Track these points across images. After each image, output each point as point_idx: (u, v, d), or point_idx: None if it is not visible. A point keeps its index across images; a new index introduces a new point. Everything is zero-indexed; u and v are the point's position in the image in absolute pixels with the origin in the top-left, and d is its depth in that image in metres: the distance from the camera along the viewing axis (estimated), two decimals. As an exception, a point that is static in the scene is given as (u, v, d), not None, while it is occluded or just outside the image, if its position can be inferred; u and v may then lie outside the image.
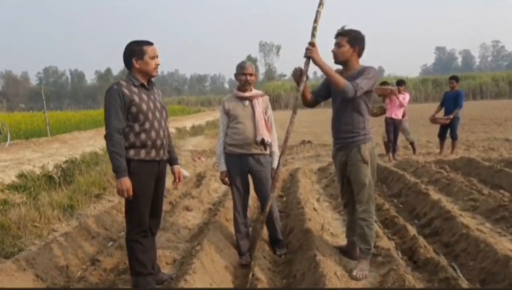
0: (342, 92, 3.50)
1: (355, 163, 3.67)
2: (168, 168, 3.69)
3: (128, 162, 3.26)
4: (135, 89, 3.31)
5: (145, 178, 3.35)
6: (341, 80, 3.46)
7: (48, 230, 5.17)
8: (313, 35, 3.54)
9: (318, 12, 3.55)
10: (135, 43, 3.35)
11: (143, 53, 3.30)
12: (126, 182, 3.20)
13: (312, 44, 3.50)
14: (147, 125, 3.32)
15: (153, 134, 3.35)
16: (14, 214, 5.15)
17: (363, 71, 3.58)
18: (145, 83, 3.39)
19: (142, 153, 3.32)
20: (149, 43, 3.36)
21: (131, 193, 3.23)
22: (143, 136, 3.31)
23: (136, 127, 3.29)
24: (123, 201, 3.62)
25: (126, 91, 3.26)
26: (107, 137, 3.24)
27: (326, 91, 3.91)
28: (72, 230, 4.81)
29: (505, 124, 17.32)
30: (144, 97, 3.35)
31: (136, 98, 3.28)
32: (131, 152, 3.29)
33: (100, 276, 4.01)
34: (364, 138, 3.68)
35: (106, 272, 4.10)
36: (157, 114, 3.40)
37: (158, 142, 3.40)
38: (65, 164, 8.05)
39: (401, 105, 9.63)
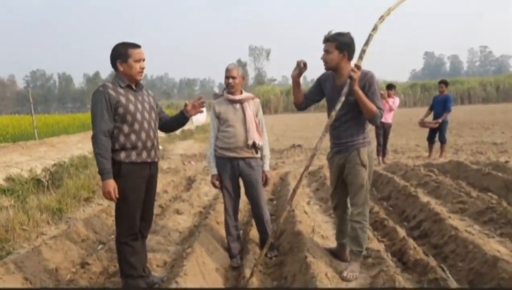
0: (372, 119, 3.54)
1: (354, 166, 3.66)
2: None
3: (119, 165, 3.24)
4: (122, 90, 3.29)
5: (136, 181, 3.33)
6: (374, 108, 3.48)
7: (37, 233, 5.12)
8: (360, 57, 3.48)
9: (370, 36, 3.47)
10: (121, 45, 3.31)
11: (127, 56, 3.27)
12: (111, 184, 3.17)
13: (358, 66, 3.44)
14: (136, 126, 3.29)
15: (143, 135, 3.33)
16: (2, 217, 5.09)
17: (365, 83, 3.52)
18: (132, 85, 3.36)
19: (133, 155, 3.29)
20: (135, 46, 3.32)
21: (116, 195, 3.20)
22: (133, 137, 3.28)
23: (125, 128, 3.26)
24: (112, 204, 3.60)
25: (112, 92, 3.23)
26: (93, 139, 3.21)
27: (317, 96, 3.92)
28: (61, 234, 4.76)
29: (493, 128, 17.55)
30: (131, 98, 3.32)
31: (123, 99, 3.25)
32: (122, 155, 3.26)
33: (90, 279, 3.98)
34: (363, 141, 3.68)
35: (95, 275, 4.07)
36: (146, 115, 3.37)
37: (149, 143, 3.37)
38: (53, 167, 8.01)
39: (390, 109, 9.72)
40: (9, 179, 7.15)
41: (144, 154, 3.35)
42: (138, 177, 3.35)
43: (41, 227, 5.33)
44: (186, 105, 3.61)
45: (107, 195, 3.20)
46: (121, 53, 3.28)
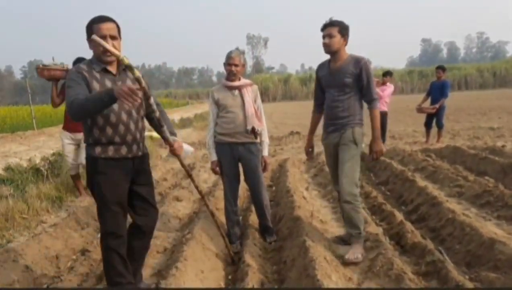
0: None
1: (347, 143, 3.74)
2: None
3: (95, 161, 2.82)
4: (97, 74, 2.77)
5: (115, 177, 2.85)
6: (378, 117, 3.75)
7: (37, 221, 5.13)
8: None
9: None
10: (89, 21, 2.74)
11: (91, 33, 2.67)
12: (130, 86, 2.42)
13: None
14: (112, 118, 2.79)
15: (121, 128, 2.82)
16: (2, 206, 5.10)
17: (360, 70, 3.63)
18: (110, 68, 2.82)
19: (110, 151, 2.83)
20: (100, 20, 2.72)
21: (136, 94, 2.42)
22: (108, 131, 2.80)
23: (99, 120, 2.77)
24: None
25: (86, 74, 2.72)
26: (70, 106, 2.57)
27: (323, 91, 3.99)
28: (61, 221, 4.79)
29: (489, 113, 17.57)
30: (108, 84, 2.78)
31: (96, 85, 2.73)
32: (97, 150, 2.81)
33: (91, 266, 3.99)
34: (359, 122, 3.79)
35: (96, 262, 4.08)
36: (125, 105, 2.48)
37: (129, 138, 2.87)
38: (52, 156, 7.98)
39: (381, 97, 9.62)
40: (8, 168, 7.15)
41: (124, 150, 2.87)
42: (118, 174, 2.87)
43: (41, 215, 5.35)
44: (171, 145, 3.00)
45: (125, 94, 2.39)
46: (87, 30, 2.73)
